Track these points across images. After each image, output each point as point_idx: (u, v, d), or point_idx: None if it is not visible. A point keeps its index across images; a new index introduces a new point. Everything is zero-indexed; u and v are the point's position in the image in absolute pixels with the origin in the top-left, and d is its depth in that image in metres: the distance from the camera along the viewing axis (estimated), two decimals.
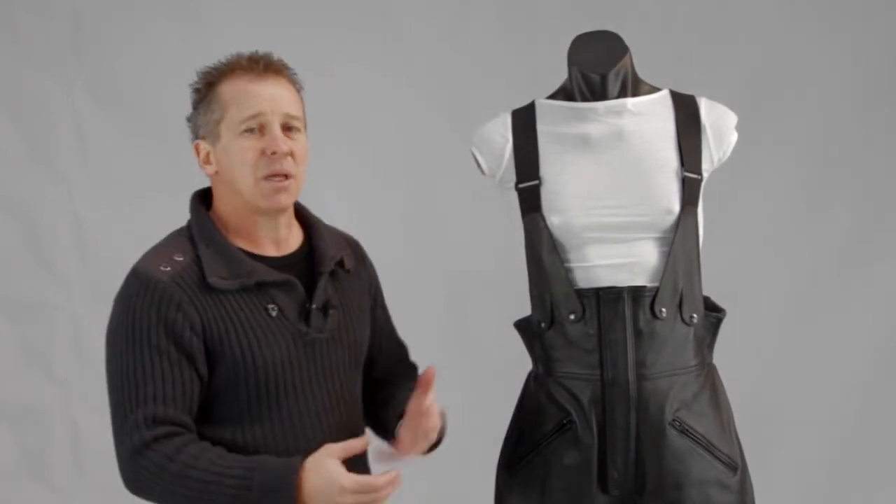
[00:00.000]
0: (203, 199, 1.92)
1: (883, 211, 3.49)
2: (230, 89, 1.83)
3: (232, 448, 1.79)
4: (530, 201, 2.00)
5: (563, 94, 2.06)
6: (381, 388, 2.06)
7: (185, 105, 3.66)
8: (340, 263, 1.95)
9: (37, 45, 3.46)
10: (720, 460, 1.99)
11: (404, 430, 1.89)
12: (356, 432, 1.92)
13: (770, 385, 3.48)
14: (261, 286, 1.82)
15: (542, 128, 2.04)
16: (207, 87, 1.86)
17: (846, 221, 3.49)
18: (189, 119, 1.91)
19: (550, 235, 1.99)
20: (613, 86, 2.01)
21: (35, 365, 3.45)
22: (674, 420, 1.96)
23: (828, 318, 3.50)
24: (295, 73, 1.90)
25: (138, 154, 3.46)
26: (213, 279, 1.79)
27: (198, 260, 1.81)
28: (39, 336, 3.46)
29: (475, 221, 3.44)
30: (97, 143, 3.48)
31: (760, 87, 3.45)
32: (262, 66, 1.84)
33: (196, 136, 1.89)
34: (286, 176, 1.82)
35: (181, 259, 1.81)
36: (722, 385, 2.07)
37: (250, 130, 1.81)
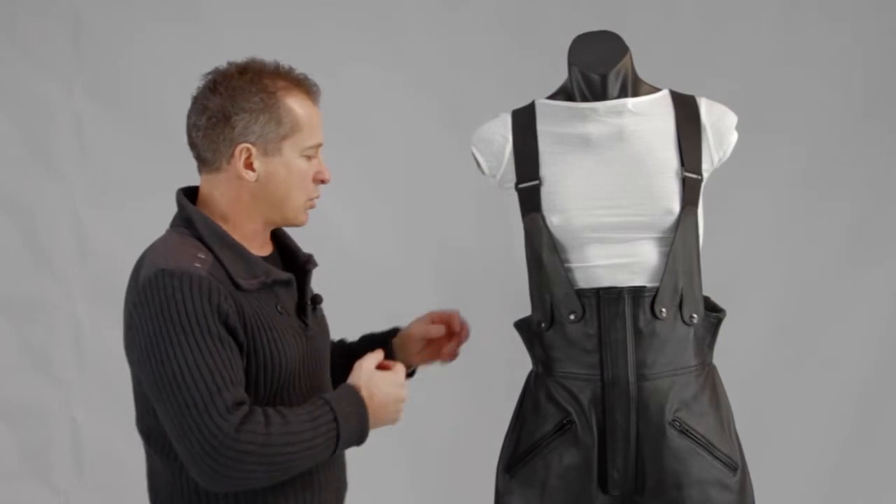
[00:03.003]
0: (188, 197, 1.92)
1: (884, 211, 3.48)
2: (303, 111, 1.86)
3: None
4: (530, 201, 2.00)
5: (564, 94, 2.06)
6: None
7: (186, 105, 3.66)
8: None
9: (37, 45, 3.46)
10: (720, 460, 1.98)
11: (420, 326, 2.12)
12: None
13: (770, 385, 3.47)
14: (270, 286, 1.86)
15: (542, 128, 2.04)
16: (269, 95, 1.84)
17: (847, 221, 3.49)
18: (231, 116, 1.84)
19: (550, 235, 1.99)
20: (614, 86, 2.00)
21: (35, 365, 3.46)
22: (674, 420, 1.96)
23: (828, 318, 3.49)
24: None
25: (138, 154, 3.46)
26: (239, 280, 1.81)
27: (218, 260, 1.81)
28: (39, 336, 3.46)
29: (475, 221, 3.44)
30: (97, 143, 3.48)
31: (760, 86, 3.45)
32: (316, 89, 1.91)
33: (242, 138, 1.84)
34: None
35: (204, 257, 1.80)
36: (722, 385, 2.07)
37: (309, 156, 1.89)
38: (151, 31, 3.46)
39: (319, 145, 1.91)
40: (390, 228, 3.36)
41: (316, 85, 1.92)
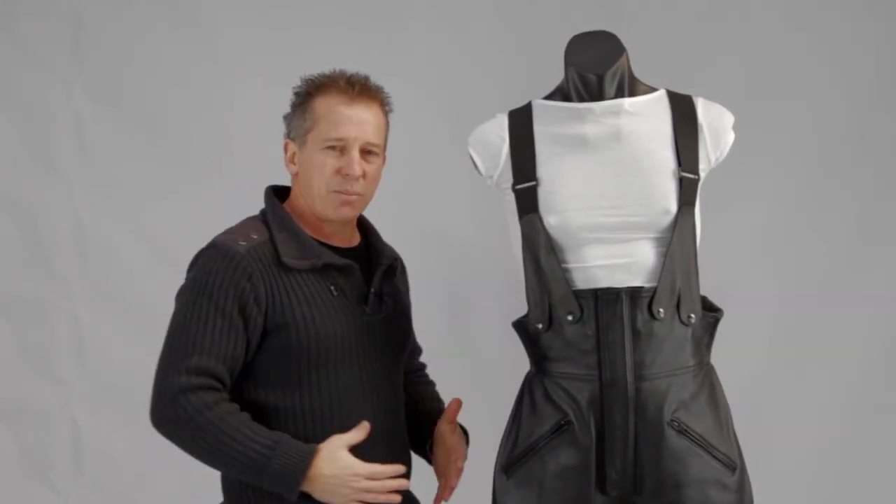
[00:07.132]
0: (276, 192, 2.12)
1: (884, 211, 3.47)
2: (324, 105, 2.03)
3: (281, 411, 1.98)
4: (527, 202, 2.00)
5: (560, 94, 2.06)
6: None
7: (186, 105, 3.67)
8: (393, 266, 2.16)
9: (37, 45, 3.46)
10: (718, 460, 1.98)
11: (437, 456, 2.21)
12: (397, 409, 2.14)
13: (768, 384, 3.47)
14: (326, 269, 2.02)
15: (538, 128, 2.04)
16: (307, 95, 2.06)
17: (845, 221, 3.48)
18: (285, 118, 2.11)
19: (548, 236, 1.98)
20: (610, 86, 2.00)
21: (35, 365, 3.46)
22: (672, 420, 1.95)
23: (825, 317, 3.48)
24: (387, 96, 2.12)
25: (138, 154, 3.47)
26: (286, 259, 1.98)
27: (272, 240, 2.00)
28: (39, 336, 3.47)
29: (475, 221, 3.43)
30: (97, 143, 3.48)
31: (761, 85, 3.45)
32: (357, 89, 2.04)
33: (288, 135, 2.10)
34: (355, 193, 2.05)
35: (256, 237, 2.00)
36: (720, 385, 2.06)
37: (332, 148, 2.02)
38: (152, 31, 3.47)
39: (338, 139, 2.01)
40: (389, 229, 3.35)
41: (358, 83, 2.06)
